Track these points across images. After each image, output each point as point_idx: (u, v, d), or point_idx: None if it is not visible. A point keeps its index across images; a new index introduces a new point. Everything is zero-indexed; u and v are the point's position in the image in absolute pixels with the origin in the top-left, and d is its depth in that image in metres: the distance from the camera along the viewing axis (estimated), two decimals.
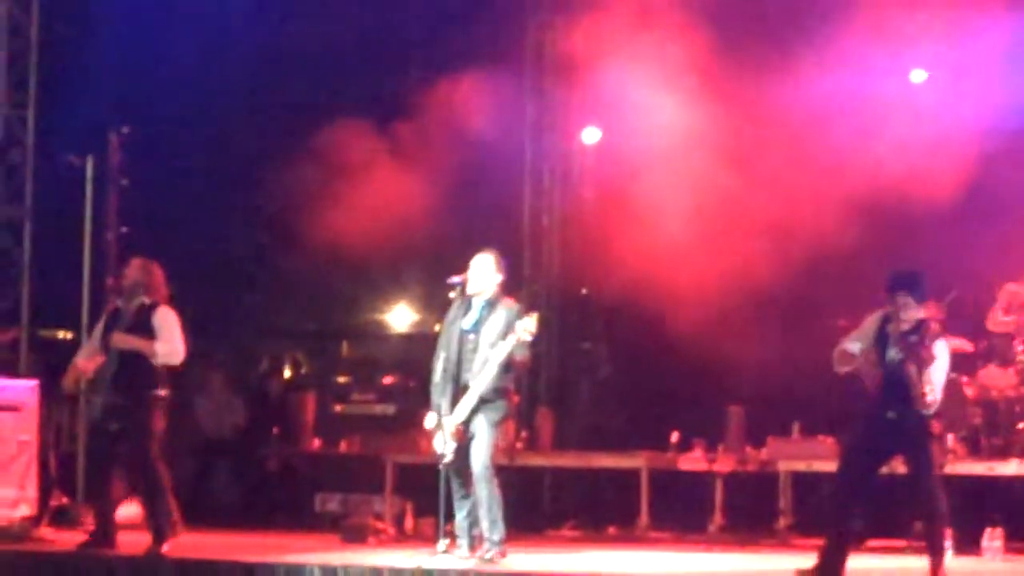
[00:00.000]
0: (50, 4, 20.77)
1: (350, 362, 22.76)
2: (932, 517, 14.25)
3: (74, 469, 19.16)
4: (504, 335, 15.22)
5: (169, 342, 15.77)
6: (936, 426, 14.51)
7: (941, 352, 14.25)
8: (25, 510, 18.06)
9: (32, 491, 18.38)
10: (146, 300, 15.93)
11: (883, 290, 14.39)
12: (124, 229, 19.10)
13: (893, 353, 14.19)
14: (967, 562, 16.06)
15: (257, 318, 22.35)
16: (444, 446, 15.34)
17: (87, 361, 16.21)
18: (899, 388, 14.05)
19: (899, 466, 14.58)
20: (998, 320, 18.91)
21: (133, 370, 15.77)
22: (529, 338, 15.37)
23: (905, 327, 14.20)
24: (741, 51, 20.66)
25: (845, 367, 14.47)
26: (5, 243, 20.35)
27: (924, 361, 14.06)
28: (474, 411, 15.20)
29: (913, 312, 14.29)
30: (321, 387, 22.06)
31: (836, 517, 14.52)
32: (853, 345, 14.42)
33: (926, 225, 19.12)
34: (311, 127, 20.55)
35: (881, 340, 14.35)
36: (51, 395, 19.02)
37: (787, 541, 17.97)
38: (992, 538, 16.82)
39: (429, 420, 15.35)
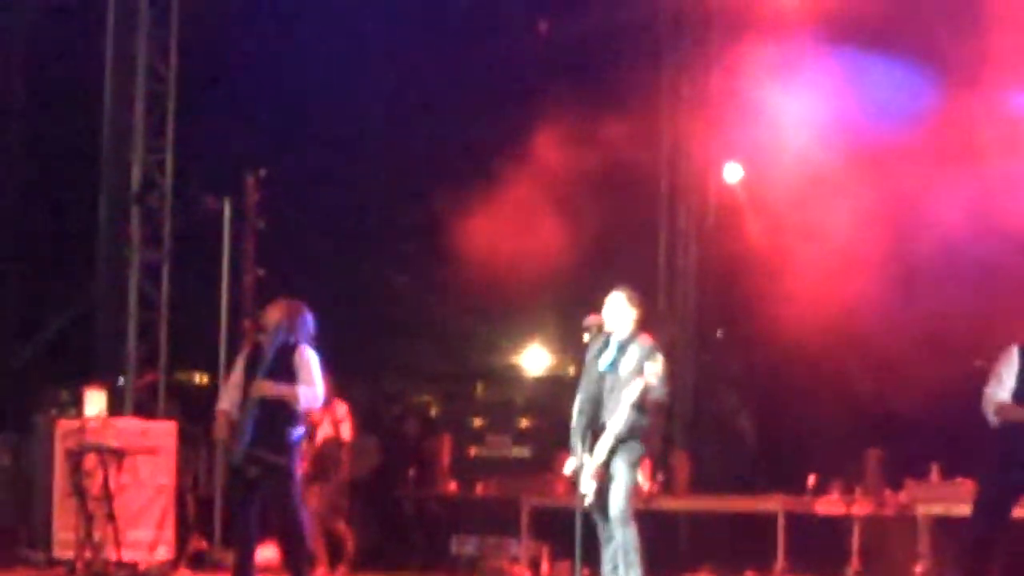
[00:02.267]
0: (187, 48, 20.84)
1: (485, 405, 22.75)
2: None
3: (212, 512, 19.22)
4: (637, 373, 15.22)
5: (310, 385, 15.81)
6: None
7: None
8: (163, 553, 18.29)
9: (170, 534, 18.60)
10: (290, 340, 16.07)
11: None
12: (261, 271, 19.22)
13: None
14: None
15: (394, 360, 22.37)
16: (586, 488, 15.36)
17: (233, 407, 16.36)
18: None
19: None
20: None
21: (273, 414, 15.85)
22: (655, 381, 15.36)
23: None
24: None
25: (1009, 418, 14.23)
26: (144, 287, 20.43)
27: None
28: (611, 452, 15.23)
29: None
30: (457, 430, 22.06)
31: (978, 562, 14.42)
32: (1003, 393, 14.30)
33: None
34: (449, 168, 20.61)
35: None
36: (188, 438, 19.24)
37: None
38: None
39: (569, 464, 15.42)
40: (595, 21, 21.93)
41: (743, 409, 22.67)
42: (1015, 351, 14.18)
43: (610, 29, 22.08)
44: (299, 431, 15.74)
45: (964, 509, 15.58)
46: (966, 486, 15.95)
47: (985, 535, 14.44)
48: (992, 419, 14.21)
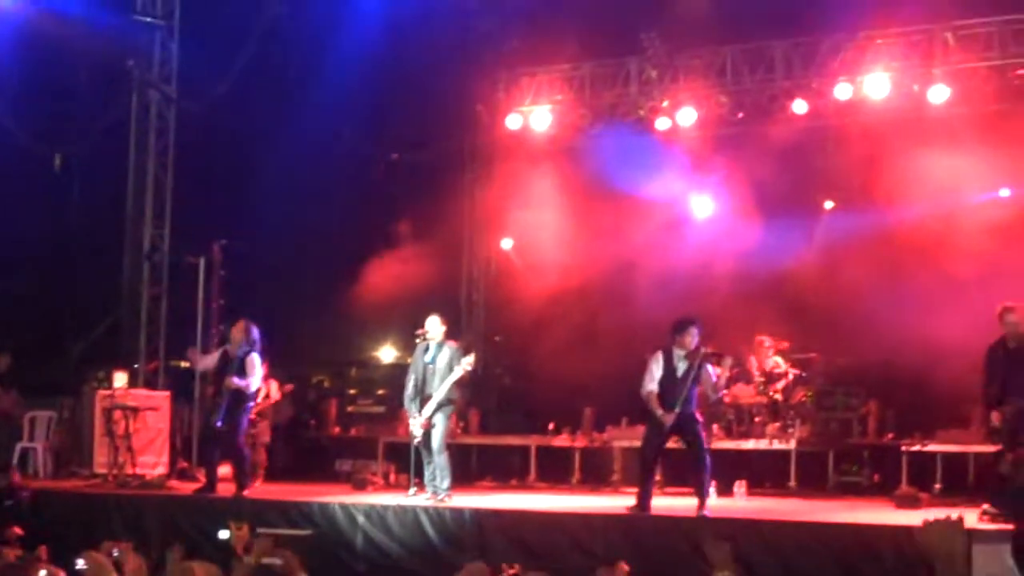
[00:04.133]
0: (182, 161, 20.67)
1: (357, 380, 22.66)
2: (702, 472, 14.33)
3: (190, 446, 19.22)
4: (451, 365, 15.76)
5: (252, 379, 16.24)
6: (701, 416, 14.82)
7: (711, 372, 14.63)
8: (161, 470, 18.36)
9: (165, 459, 18.72)
10: (245, 348, 16.44)
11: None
12: (223, 301, 19.17)
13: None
14: (724, 500, 16.22)
15: (304, 353, 22.30)
16: (416, 432, 15.87)
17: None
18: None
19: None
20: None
21: (235, 396, 16.15)
22: (470, 368, 15.98)
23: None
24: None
25: (650, 407, 14.55)
26: (150, 309, 20.41)
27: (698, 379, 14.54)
28: (434, 411, 15.77)
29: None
30: (339, 395, 22.13)
31: (646, 474, 14.75)
32: (651, 384, 14.50)
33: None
34: (343, 243, 20.89)
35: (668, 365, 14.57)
36: (177, 400, 19.28)
37: (618, 488, 17.99)
38: (739, 487, 17.17)
39: (413, 421, 15.80)
40: (426, 155, 22.03)
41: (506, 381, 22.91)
42: (660, 354, 14.61)
43: (433, 158, 22.16)
44: (249, 405, 16.38)
45: (638, 443, 16.02)
46: (639, 430, 15.87)
47: (649, 458, 14.85)
48: (647, 397, 14.59)
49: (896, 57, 19.59)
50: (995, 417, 14.56)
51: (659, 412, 14.43)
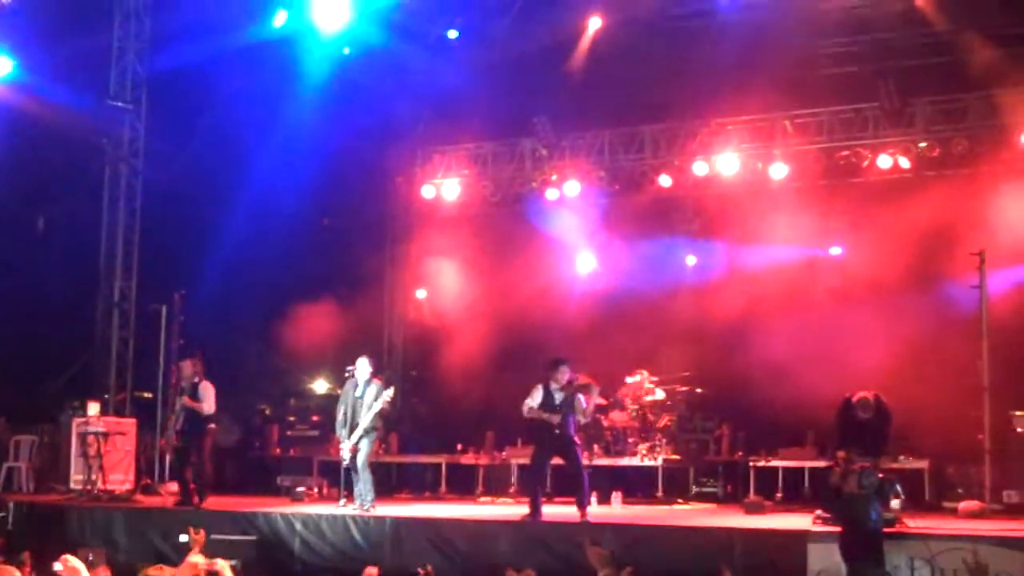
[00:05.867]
0: (147, 222, 20.40)
1: (296, 409, 22.44)
2: (581, 485, 14.56)
3: (153, 466, 18.98)
4: (376, 398, 15.78)
5: (207, 403, 16.19)
6: (579, 438, 14.99)
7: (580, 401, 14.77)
8: (128, 486, 18.04)
9: (132, 476, 18.42)
10: (196, 380, 16.50)
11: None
12: (182, 341, 18.94)
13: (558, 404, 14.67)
14: (603, 508, 16.40)
15: (250, 384, 22.03)
16: (346, 454, 15.89)
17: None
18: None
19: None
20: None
21: (191, 417, 16.10)
22: (390, 399, 16.02)
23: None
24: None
25: (532, 416, 14.60)
26: (119, 349, 20.10)
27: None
28: (360, 437, 15.79)
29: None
30: (281, 421, 21.82)
31: (536, 486, 14.78)
32: (532, 402, 14.60)
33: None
34: (285, 296, 20.51)
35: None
36: (142, 427, 18.97)
37: (515, 499, 17.77)
38: (616, 497, 17.35)
39: (343, 444, 15.75)
40: (354, 219, 21.97)
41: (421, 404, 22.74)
42: (540, 385, 14.63)
43: (360, 222, 22.11)
44: (208, 427, 16.28)
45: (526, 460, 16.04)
46: (531, 449, 16.10)
47: (536, 473, 15.01)
48: (526, 415, 14.71)
49: (744, 140, 20.03)
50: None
51: (546, 415, 14.52)
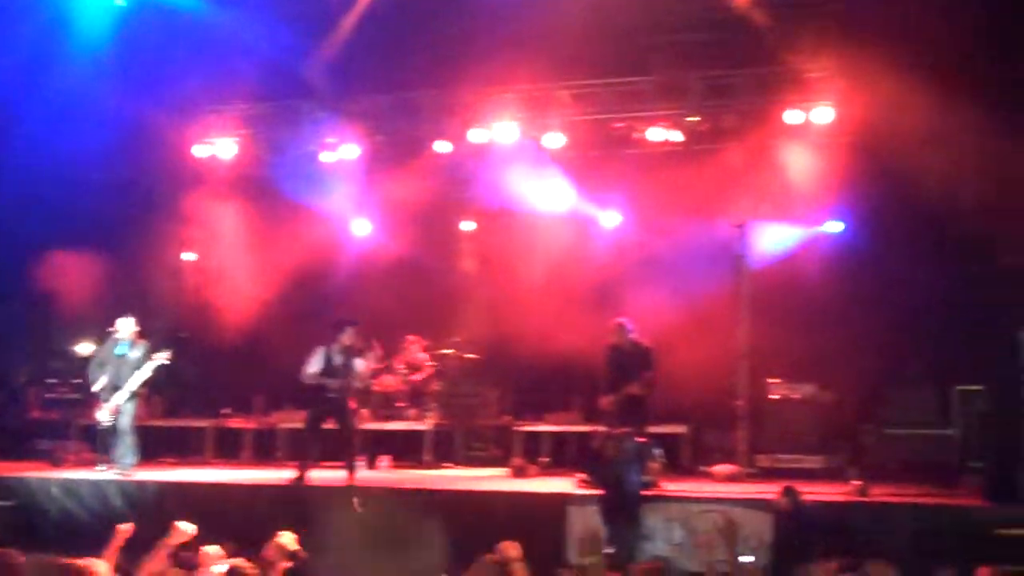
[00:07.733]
0: None
1: (56, 371, 21.60)
2: (352, 448, 14.88)
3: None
4: (143, 360, 15.55)
5: None
6: (353, 402, 15.24)
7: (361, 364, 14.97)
8: None
9: None
10: None
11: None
12: None
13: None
14: (370, 473, 16.58)
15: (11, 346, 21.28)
16: (105, 415, 15.62)
17: None
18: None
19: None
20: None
21: None
22: (167, 361, 15.77)
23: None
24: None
25: (307, 380, 14.86)
26: None
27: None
28: (126, 400, 15.56)
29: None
30: (40, 384, 21.05)
31: (305, 451, 15.02)
32: (313, 368, 14.80)
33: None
34: None
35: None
36: None
37: (282, 463, 17.50)
38: (383, 460, 17.60)
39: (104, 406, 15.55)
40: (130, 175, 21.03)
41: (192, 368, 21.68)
42: (321, 349, 14.83)
43: (128, 180, 21.07)
44: None
45: (299, 425, 16.07)
46: (301, 415, 16.07)
47: (308, 436, 15.19)
48: (306, 381, 14.88)
49: (521, 109, 20.23)
50: (604, 403, 15.12)
51: (328, 381, 14.60)
